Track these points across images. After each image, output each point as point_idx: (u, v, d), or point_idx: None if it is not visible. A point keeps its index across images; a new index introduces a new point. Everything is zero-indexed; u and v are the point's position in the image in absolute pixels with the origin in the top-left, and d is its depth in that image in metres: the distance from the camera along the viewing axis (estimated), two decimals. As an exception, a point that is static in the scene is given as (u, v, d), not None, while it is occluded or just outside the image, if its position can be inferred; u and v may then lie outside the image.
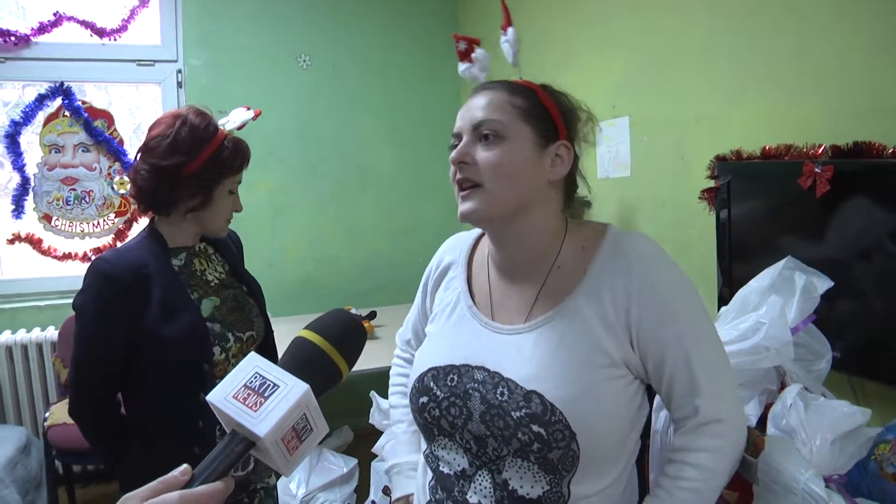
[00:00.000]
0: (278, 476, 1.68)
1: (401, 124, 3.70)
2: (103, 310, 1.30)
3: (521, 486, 0.91)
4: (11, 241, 3.06)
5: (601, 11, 2.54)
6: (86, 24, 3.07)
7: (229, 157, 1.39)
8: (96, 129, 3.10)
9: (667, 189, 2.24)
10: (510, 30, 1.11)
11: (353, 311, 2.86)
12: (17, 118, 2.99)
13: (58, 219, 3.11)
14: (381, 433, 1.84)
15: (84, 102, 3.09)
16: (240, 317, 1.47)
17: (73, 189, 3.12)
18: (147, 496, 0.55)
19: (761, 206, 1.74)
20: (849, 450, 1.09)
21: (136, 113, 3.39)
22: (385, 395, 1.35)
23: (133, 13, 3.15)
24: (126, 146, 3.19)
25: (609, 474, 0.93)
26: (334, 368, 0.70)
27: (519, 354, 0.94)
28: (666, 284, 0.92)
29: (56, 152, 3.08)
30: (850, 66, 1.57)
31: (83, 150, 3.12)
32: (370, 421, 1.97)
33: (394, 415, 1.26)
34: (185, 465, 0.58)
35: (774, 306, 1.26)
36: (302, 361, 0.67)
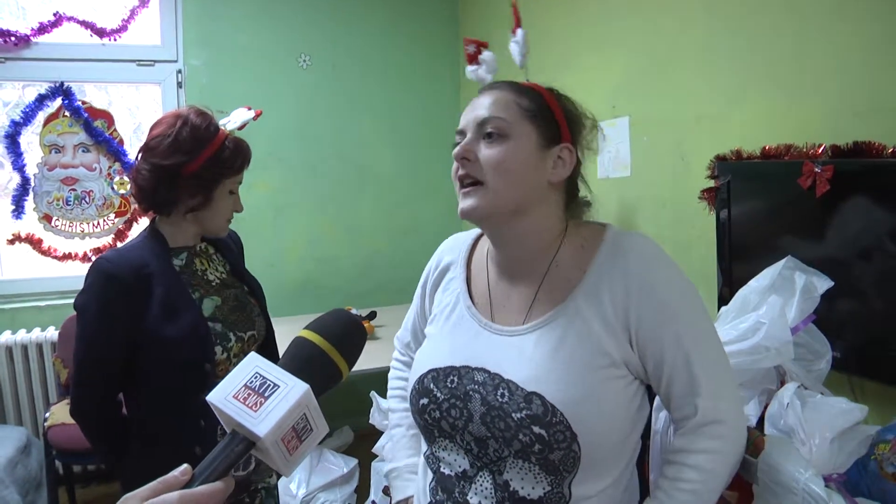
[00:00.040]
0: (279, 476, 1.68)
1: (401, 124, 3.70)
2: (105, 309, 1.30)
3: (522, 487, 0.91)
4: (11, 242, 3.06)
5: (601, 11, 2.54)
6: (86, 25, 3.07)
7: (230, 157, 1.39)
8: (96, 129, 3.10)
9: (667, 189, 2.24)
10: (520, 31, 1.11)
11: (354, 311, 2.87)
12: (17, 118, 2.99)
13: (58, 219, 3.11)
14: (382, 433, 1.84)
15: (84, 102, 3.09)
16: (241, 316, 1.47)
17: (73, 189, 3.12)
18: (147, 496, 0.55)
19: (761, 206, 1.74)
20: (848, 448, 1.09)
21: (136, 113, 3.39)
22: (385, 396, 1.34)
23: (133, 13, 3.15)
24: (126, 146, 3.19)
25: (610, 475, 0.93)
26: (334, 368, 0.70)
27: (519, 356, 0.94)
28: (665, 284, 0.93)
29: (56, 152, 3.09)
30: (850, 66, 1.57)
31: (83, 151, 3.12)
32: (370, 421, 1.97)
33: (392, 418, 1.26)
34: (185, 465, 0.58)
35: (774, 306, 1.26)
36: (302, 361, 0.67)
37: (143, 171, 1.36)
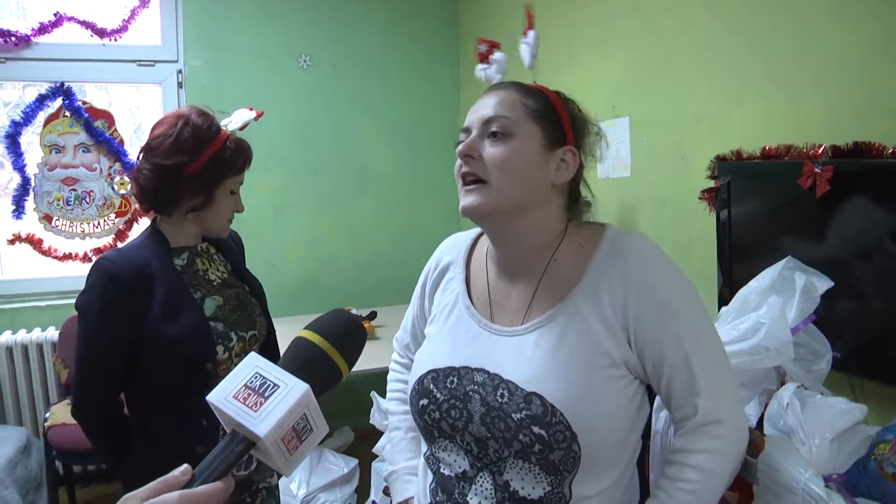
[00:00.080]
0: (280, 476, 1.68)
1: (401, 124, 3.70)
2: (107, 309, 1.30)
3: (523, 488, 0.91)
4: (12, 242, 3.06)
5: (601, 11, 2.54)
6: (86, 25, 3.07)
7: (231, 157, 1.39)
8: (97, 129, 3.10)
9: (667, 189, 2.24)
10: (531, 33, 1.12)
11: (354, 311, 2.87)
12: (17, 118, 2.99)
13: (58, 219, 3.12)
14: (382, 433, 1.84)
15: (84, 103, 3.09)
16: (242, 316, 1.47)
17: (74, 189, 3.13)
18: (147, 496, 0.55)
19: (761, 207, 1.74)
20: (848, 448, 1.09)
21: (137, 113, 3.39)
22: (386, 396, 1.34)
23: (133, 13, 3.15)
24: (126, 146, 3.20)
25: (610, 475, 0.93)
26: (334, 368, 0.70)
27: (519, 356, 0.94)
28: (664, 284, 0.93)
29: (56, 152, 3.09)
30: (850, 66, 1.57)
31: (84, 151, 3.13)
32: (371, 421, 1.97)
33: (391, 421, 1.25)
34: (185, 465, 0.58)
35: (774, 306, 1.26)
36: (302, 361, 0.68)
37: (144, 170, 1.36)
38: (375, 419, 1.96)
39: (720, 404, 0.91)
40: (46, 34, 3.02)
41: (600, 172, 2.52)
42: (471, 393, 0.96)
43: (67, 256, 3.14)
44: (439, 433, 1.00)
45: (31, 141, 3.09)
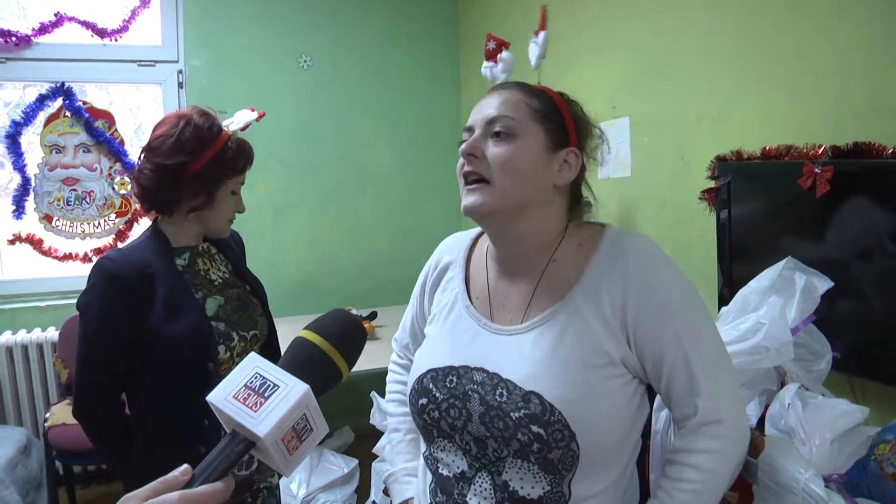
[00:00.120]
0: (280, 476, 1.68)
1: (401, 124, 3.71)
2: (108, 309, 1.30)
3: (522, 487, 0.91)
4: (12, 242, 3.06)
5: (601, 12, 2.54)
6: (87, 25, 3.07)
7: (232, 157, 1.40)
8: (97, 129, 3.10)
9: (667, 189, 2.24)
10: (542, 34, 1.12)
11: (354, 311, 2.87)
12: (17, 118, 2.99)
13: (58, 219, 3.12)
14: (382, 434, 1.84)
15: (85, 103, 3.10)
16: (244, 316, 1.47)
17: (74, 189, 3.13)
18: (147, 496, 0.55)
19: (761, 207, 1.74)
20: (848, 449, 1.09)
21: (137, 113, 3.39)
22: (385, 396, 1.34)
23: (134, 13, 3.15)
24: (127, 147, 3.20)
25: (610, 474, 0.93)
26: (334, 368, 0.70)
27: (518, 355, 0.94)
28: (664, 284, 0.93)
29: (57, 153, 3.09)
30: (850, 66, 1.57)
31: (84, 151, 3.13)
32: (371, 421, 1.96)
33: (390, 422, 1.25)
34: (185, 466, 0.58)
35: (774, 306, 1.26)
36: (302, 362, 0.68)
37: (145, 170, 1.36)
38: (375, 419, 1.96)
39: (720, 404, 0.91)
40: (47, 34, 3.02)
41: (601, 173, 2.52)
42: (470, 392, 0.96)
43: (68, 256, 3.14)
44: (438, 433, 1.00)
45: (31, 141, 3.09)
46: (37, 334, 2.95)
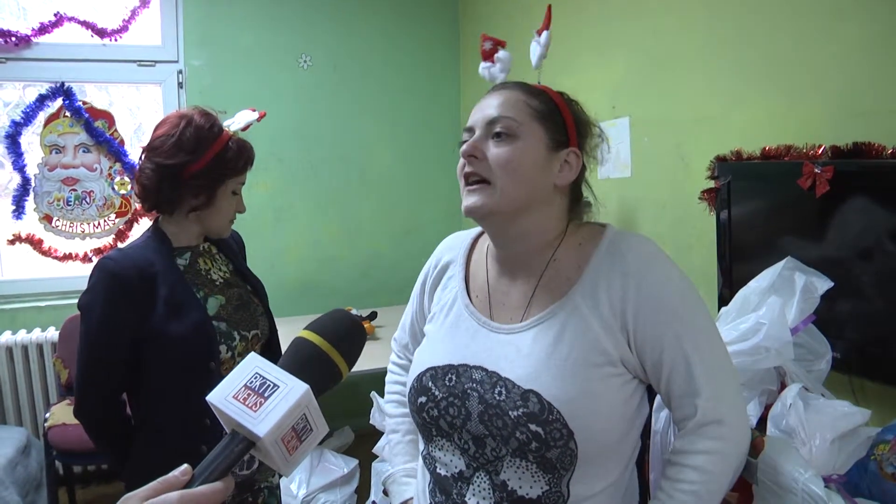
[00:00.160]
0: (281, 475, 1.68)
1: (401, 125, 3.71)
2: (109, 309, 1.30)
3: (521, 487, 0.91)
4: (12, 242, 3.06)
5: (601, 12, 2.54)
6: (86, 25, 3.07)
7: (233, 157, 1.40)
8: (97, 129, 3.10)
9: (667, 190, 2.24)
10: (545, 33, 1.12)
11: (354, 311, 2.87)
12: (17, 118, 2.99)
13: (58, 219, 3.12)
14: (382, 434, 1.84)
15: (85, 103, 3.09)
16: (245, 315, 1.47)
17: (74, 189, 3.13)
18: (147, 496, 0.55)
19: (761, 207, 1.74)
20: (848, 449, 1.09)
21: (137, 113, 3.39)
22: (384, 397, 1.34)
23: (134, 14, 3.15)
24: (127, 147, 3.20)
25: (609, 474, 0.93)
26: (334, 368, 0.70)
27: (517, 354, 0.94)
28: (664, 285, 0.93)
29: (57, 153, 3.09)
30: (850, 67, 1.57)
31: (84, 151, 3.13)
32: (371, 422, 1.97)
33: (389, 424, 1.25)
34: (185, 465, 0.58)
35: (774, 307, 1.26)
36: (302, 362, 0.68)
37: (146, 170, 1.37)
38: (375, 419, 1.96)
39: (720, 405, 0.91)
40: (47, 34, 3.02)
41: (601, 173, 2.52)
42: (469, 391, 0.96)
43: (67, 257, 3.14)
44: (437, 431, 1.00)
45: (31, 141, 3.09)
46: (37, 334, 2.95)
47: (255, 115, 1.47)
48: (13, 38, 2.95)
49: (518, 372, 0.92)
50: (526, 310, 0.98)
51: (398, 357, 1.29)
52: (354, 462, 2.67)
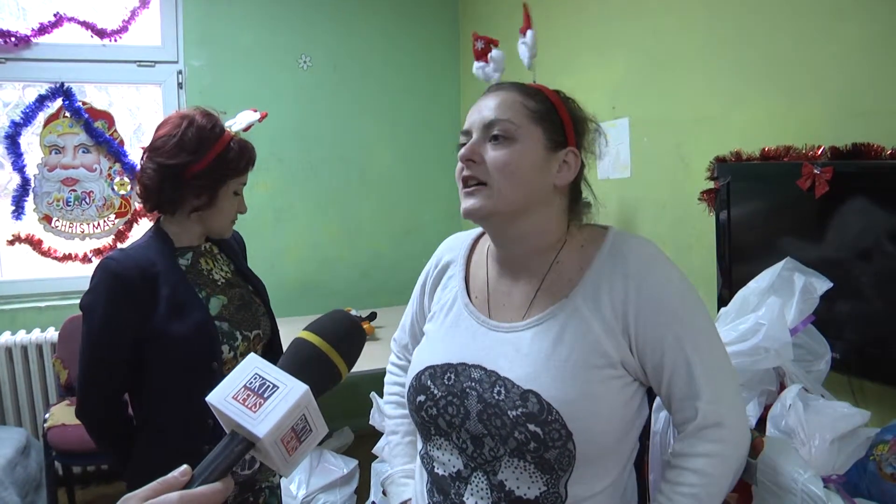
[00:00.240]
0: (281, 475, 1.68)
1: (401, 125, 3.71)
2: (112, 309, 1.30)
3: (518, 487, 0.91)
4: (11, 242, 3.06)
5: (601, 12, 2.54)
6: (86, 25, 3.07)
7: (235, 157, 1.40)
8: (97, 129, 3.10)
9: (667, 190, 2.24)
10: (529, 33, 1.11)
11: (354, 312, 2.87)
12: (17, 119, 2.99)
13: (58, 220, 3.12)
14: (382, 434, 1.84)
15: (84, 103, 3.09)
16: (247, 315, 1.47)
17: (74, 190, 3.13)
18: (147, 496, 0.55)
19: (761, 208, 1.74)
20: (847, 450, 1.09)
21: (137, 114, 3.39)
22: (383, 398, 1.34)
23: (133, 14, 3.15)
24: (126, 147, 3.19)
25: (607, 475, 0.93)
26: (333, 369, 0.70)
27: (516, 353, 0.94)
28: (664, 287, 0.93)
29: (56, 153, 3.09)
30: (849, 67, 1.57)
31: (83, 151, 3.13)
32: (370, 422, 1.97)
33: (388, 425, 1.25)
34: (184, 466, 0.59)
35: (774, 307, 1.26)
36: (301, 362, 0.68)
37: (148, 170, 1.37)
38: (375, 420, 1.96)
39: (721, 408, 0.91)
40: (46, 35, 3.02)
41: (600, 173, 2.53)
42: (468, 390, 0.96)
43: (67, 257, 3.13)
44: (436, 430, 1.00)
45: (30, 141, 3.09)
46: (36, 335, 2.95)
47: (257, 115, 1.47)
48: (13, 39, 2.95)
49: (517, 372, 0.92)
50: (527, 310, 0.98)
51: (398, 358, 1.29)
52: (354, 462, 2.67)
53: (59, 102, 3.05)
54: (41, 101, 3.02)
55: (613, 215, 2.48)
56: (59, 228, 3.12)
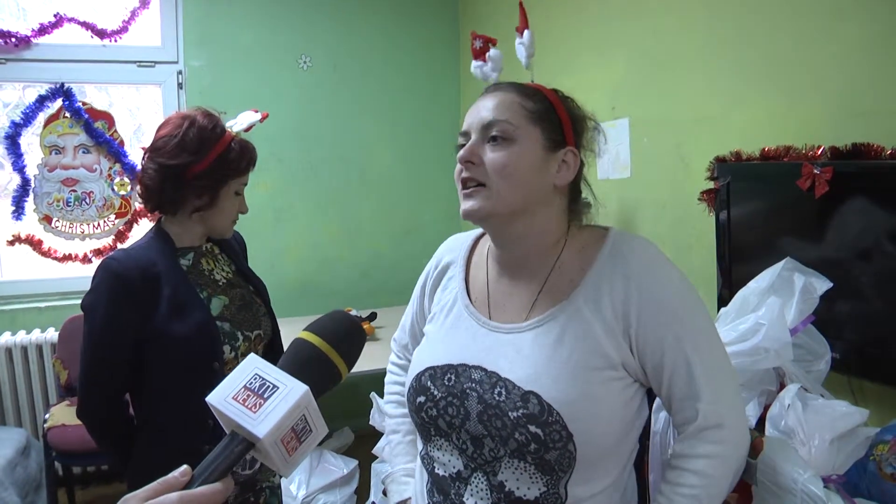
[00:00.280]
0: (281, 475, 1.68)
1: (401, 125, 3.71)
2: (113, 309, 1.30)
3: (518, 488, 0.91)
4: (11, 243, 3.06)
5: (601, 12, 2.54)
6: (86, 26, 3.07)
7: (236, 158, 1.40)
8: (97, 130, 3.10)
9: (667, 190, 2.24)
10: (526, 32, 1.11)
11: (354, 312, 2.87)
12: (17, 119, 2.99)
13: (58, 220, 3.12)
14: (382, 434, 1.84)
15: (84, 104, 3.09)
16: (248, 315, 1.48)
17: (74, 190, 3.13)
18: (147, 496, 0.55)
19: (761, 208, 1.74)
20: (847, 449, 1.09)
21: (137, 114, 3.39)
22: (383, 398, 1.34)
23: (133, 14, 3.15)
24: (126, 147, 3.19)
25: (607, 476, 0.93)
26: (333, 370, 0.70)
27: (517, 354, 0.94)
28: (665, 288, 0.92)
29: (56, 153, 3.09)
30: (850, 67, 1.57)
31: (83, 152, 3.13)
32: (370, 422, 1.97)
33: (389, 424, 1.25)
34: (184, 466, 0.59)
35: (774, 307, 1.26)
36: (301, 363, 0.68)
37: (149, 170, 1.37)
38: (375, 420, 1.96)
39: (721, 409, 0.91)
40: (46, 35, 3.02)
41: (600, 173, 2.53)
42: (468, 390, 0.96)
43: (67, 257, 3.13)
44: (436, 431, 1.00)
45: (30, 142, 3.09)
46: (36, 335, 2.95)
47: (258, 115, 1.47)
48: (13, 39, 2.95)
49: (518, 373, 0.92)
50: (529, 311, 0.98)
51: (398, 357, 1.29)
52: (354, 463, 2.67)
53: (59, 103, 3.05)
54: (41, 101, 3.02)
55: (613, 215, 2.48)
56: (59, 229, 3.12)
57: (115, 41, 3.13)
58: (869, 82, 1.53)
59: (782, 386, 1.30)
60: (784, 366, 1.28)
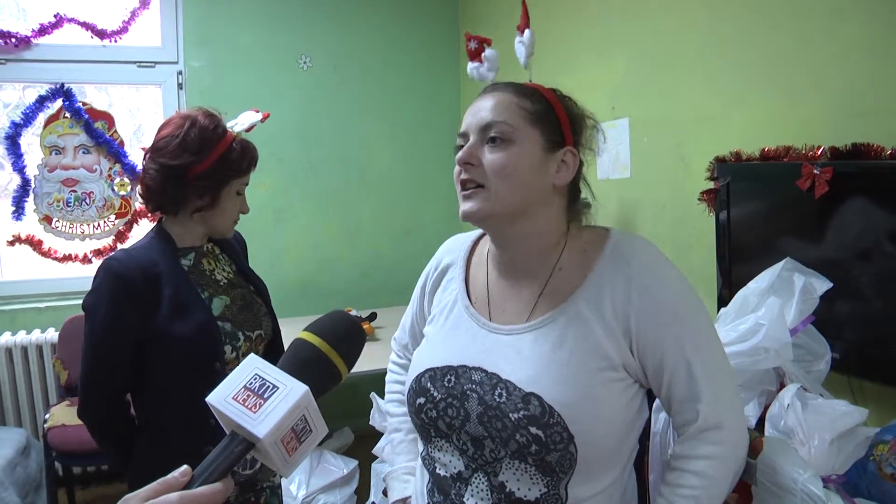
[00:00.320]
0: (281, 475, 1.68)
1: (401, 125, 3.71)
2: (114, 309, 1.30)
3: (518, 489, 0.91)
4: (11, 243, 3.06)
5: (601, 12, 2.54)
6: (86, 26, 3.07)
7: (237, 158, 1.40)
8: (97, 130, 3.11)
9: (666, 190, 2.24)
10: (527, 32, 1.11)
11: (354, 312, 2.87)
12: (17, 120, 2.99)
13: (58, 220, 3.12)
14: (382, 435, 1.84)
15: (84, 104, 3.10)
16: (249, 316, 1.48)
17: (74, 190, 3.13)
18: (148, 496, 0.55)
19: (760, 208, 1.74)
20: (847, 449, 1.09)
21: (137, 114, 3.39)
22: (384, 397, 1.34)
23: (133, 15, 3.15)
24: (126, 148, 3.20)
25: (607, 477, 0.93)
26: (333, 370, 0.70)
27: (517, 356, 0.94)
28: (665, 289, 0.92)
29: (56, 154, 3.09)
30: (850, 67, 1.57)
31: (84, 152, 3.13)
32: (370, 422, 1.97)
33: (391, 423, 1.25)
34: (184, 466, 0.59)
35: (773, 307, 1.26)
36: (301, 363, 0.68)
37: (150, 170, 1.37)
38: (375, 420, 1.96)
39: (721, 410, 0.91)
40: (46, 35, 3.02)
41: (600, 173, 2.53)
42: (468, 392, 0.96)
43: (67, 258, 3.13)
44: (436, 432, 1.00)
45: (31, 142, 3.09)
46: (36, 335, 2.95)
47: (259, 116, 1.47)
48: (13, 40, 2.95)
49: (519, 375, 0.92)
50: (530, 313, 0.98)
51: (398, 356, 1.29)
52: (354, 463, 2.67)
53: (59, 103, 3.05)
54: (41, 101, 3.02)
55: (613, 215, 2.48)
56: (59, 229, 3.12)
57: (115, 41, 3.13)
58: (869, 82, 1.53)
59: (782, 386, 1.30)
60: (784, 366, 1.28)
